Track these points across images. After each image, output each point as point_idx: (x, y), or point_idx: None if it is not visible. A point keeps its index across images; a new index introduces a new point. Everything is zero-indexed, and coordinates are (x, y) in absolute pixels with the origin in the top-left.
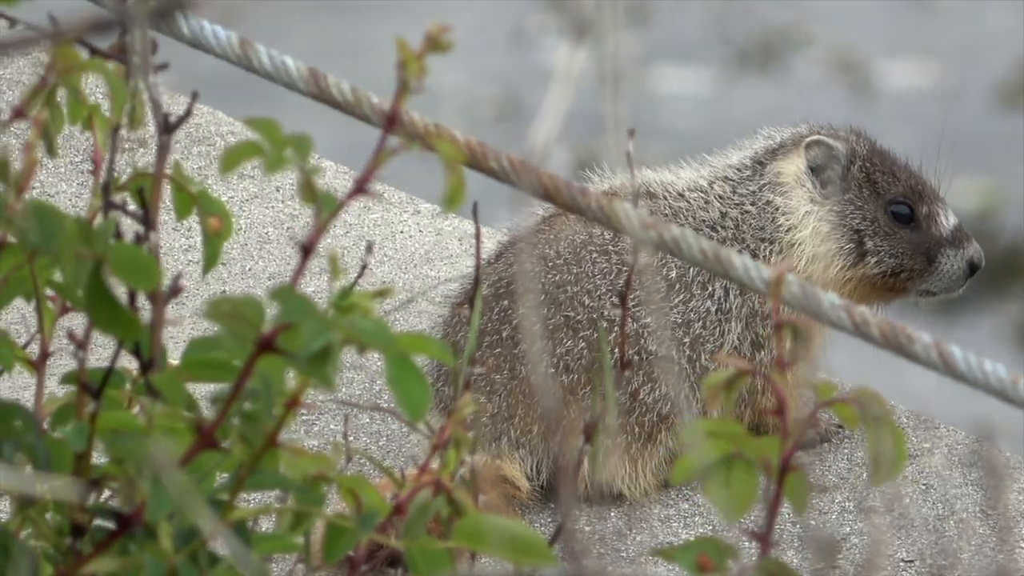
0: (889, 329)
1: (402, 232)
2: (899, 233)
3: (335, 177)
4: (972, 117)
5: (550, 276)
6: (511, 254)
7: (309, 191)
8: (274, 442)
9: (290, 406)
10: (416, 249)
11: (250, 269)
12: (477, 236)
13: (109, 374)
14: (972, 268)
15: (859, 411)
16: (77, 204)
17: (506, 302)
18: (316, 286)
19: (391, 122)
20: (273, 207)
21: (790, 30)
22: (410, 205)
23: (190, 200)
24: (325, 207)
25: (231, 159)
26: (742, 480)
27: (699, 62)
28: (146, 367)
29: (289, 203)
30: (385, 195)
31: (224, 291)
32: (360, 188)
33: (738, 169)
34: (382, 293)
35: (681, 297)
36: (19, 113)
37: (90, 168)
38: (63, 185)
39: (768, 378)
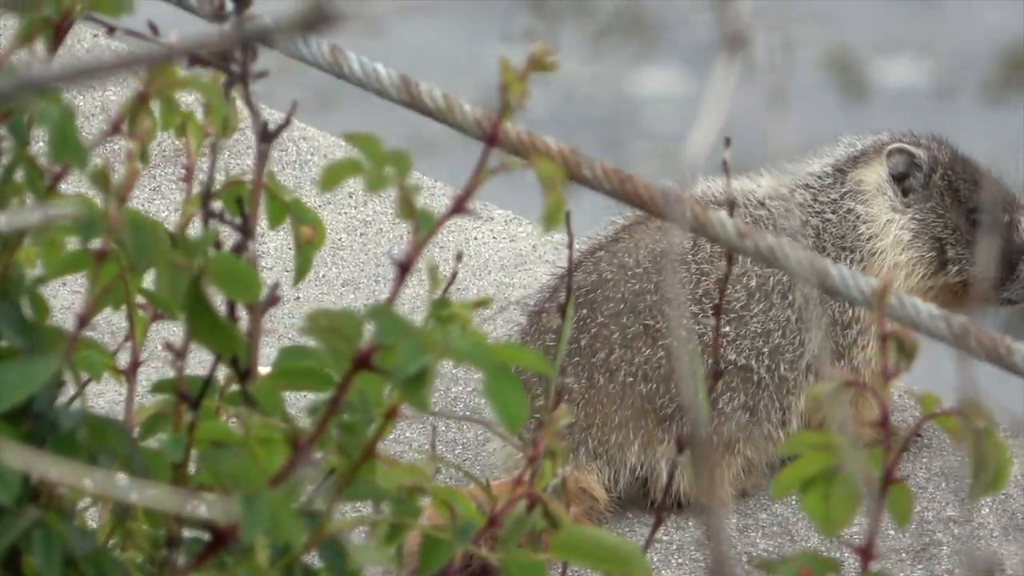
0: (989, 341)
1: (476, 239)
2: (980, 241)
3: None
4: (965, 114)
5: (629, 285)
6: (590, 263)
7: (408, 208)
8: (372, 453)
9: (388, 417)
10: (490, 256)
11: (324, 276)
12: (570, 245)
13: (208, 384)
14: None
15: (963, 423)
16: (172, 216)
17: (584, 311)
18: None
19: (492, 140)
20: (346, 213)
21: (782, 28)
22: (483, 211)
23: (283, 209)
24: (424, 225)
25: (332, 177)
26: (842, 493)
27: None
28: (243, 377)
29: (361, 209)
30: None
31: (298, 298)
32: (459, 207)
33: (819, 177)
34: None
35: (761, 306)
36: (116, 128)
37: (182, 178)
38: (157, 198)
39: (868, 389)
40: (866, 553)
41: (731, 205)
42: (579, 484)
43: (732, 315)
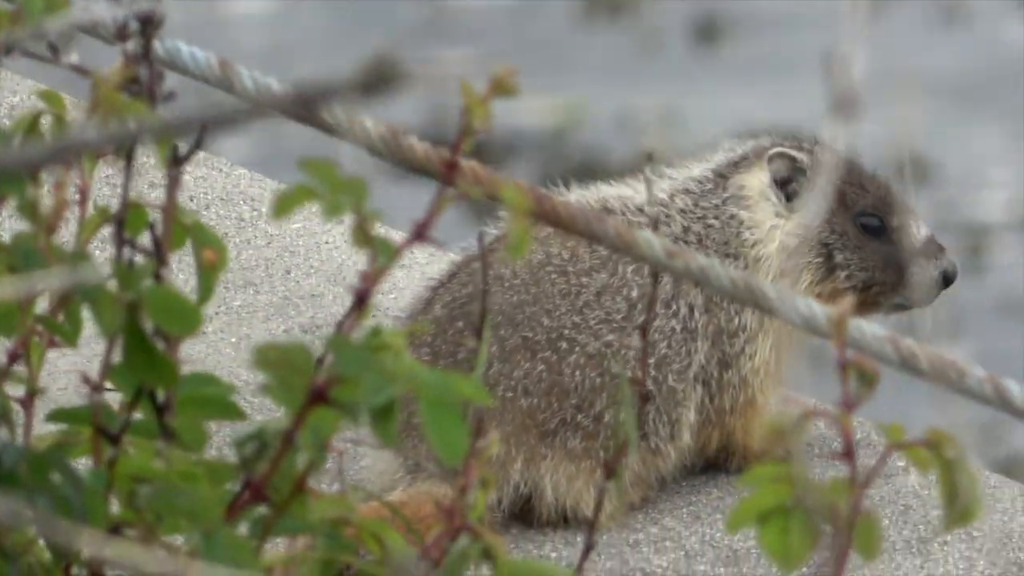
0: (939, 362)
1: (327, 243)
2: (869, 246)
3: (250, 185)
4: (551, 30)
5: (506, 296)
6: (465, 274)
7: (364, 237)
8: (303, 487)
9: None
10: (343, 260)
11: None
12: (483, 263)
13: (129, 419)
14: (946, 280)
15: (932, 454)
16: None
17: (460, 323)
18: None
19: (451, 169)
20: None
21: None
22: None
23: (183, 232)
24: (382, 254)
25: (285, 204)
26: (801, 528)
27: None
28: (161, 410)
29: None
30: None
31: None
32: (418, 235)
33: (699, 182)
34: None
35: (644, 317)
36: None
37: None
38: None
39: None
40: None
41: (608, 212)
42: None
43: (614, 325)
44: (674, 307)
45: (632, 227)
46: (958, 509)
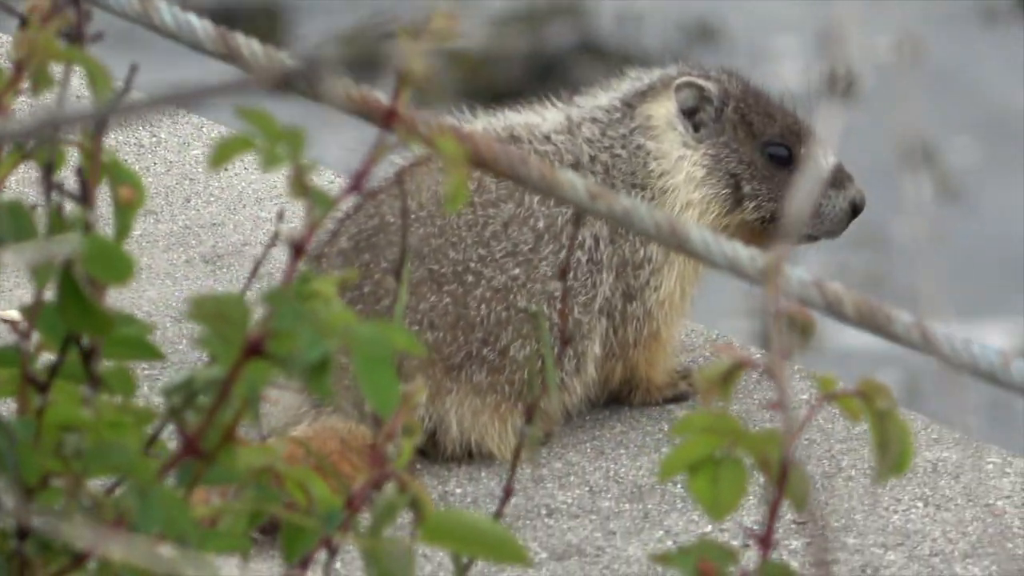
0: (866, 308)
1: (227, 170)
2: (777, 176)
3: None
4: None
5: (413, 229)
6: (372, 206)
7: (301, 187)
8: (232, 437)
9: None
10: (244, 188)
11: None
12: (403, 201)
13: (57, 367)
14: (855, 209)
15: (864, 404)
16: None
17: (367, 255)
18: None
19: (390, 117)
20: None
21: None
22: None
23: (101, 169)
24: (319, 204)
25: (222, 154)
26: (731, 477)
27: None
28: (87, 356)
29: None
30: (204, 129)
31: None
32: (355, 186)
33: (607, 111)
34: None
35: (551, 248)
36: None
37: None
38: None
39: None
40: (765, 542)
41: (514, 140)
42: (364, 438)
43: (520, 258)
44: (579, 239)
45: (539, 156)
46: (890, 459)
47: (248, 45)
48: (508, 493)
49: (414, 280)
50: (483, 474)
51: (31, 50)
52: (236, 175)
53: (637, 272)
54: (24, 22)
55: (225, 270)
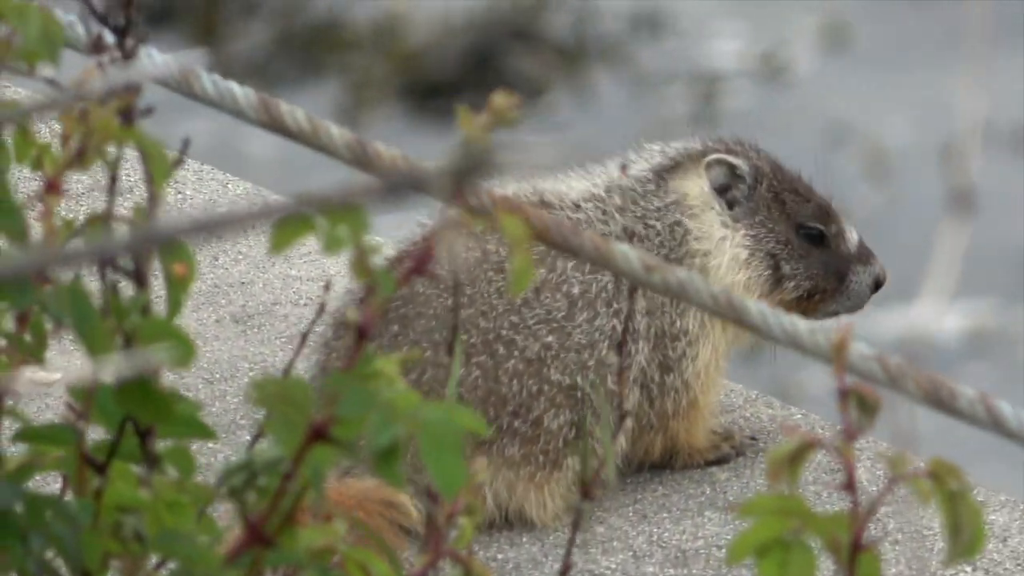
0: (929, 383)
1: (254, 226)
2: (812, 255)
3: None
4: None
5: (441, 299)
6: (399, 273)
7: (364, 270)
8: (296, 519)
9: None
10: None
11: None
12: (455, 283)
13: (115, 448)
14: (876, 285)
15: (935, 485)
16: None
17: (396, 327)
18: None
19: (458, 197)
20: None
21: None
22: (258, 199)
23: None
24: (383, 287)
25: (282, 238)
26: (800, 561)
27: None
28: (144, 435)
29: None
30: (230, 186)
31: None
32: (419, 268)
33: (639, 181)
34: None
35: (585, 315)
36: (53, 186)
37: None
38: None
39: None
40: None
41: (545, 206)
42: (390, 497)
43: (554, 325)
44: (615, 306)
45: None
46: (962, 542)
47: (291, 113)
48: (566, 570)
49: (442, 352)
50: (524, 539)
51: (89, 130)
52: (263, 232)
53: (674, 344)
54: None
55: (256, 330)
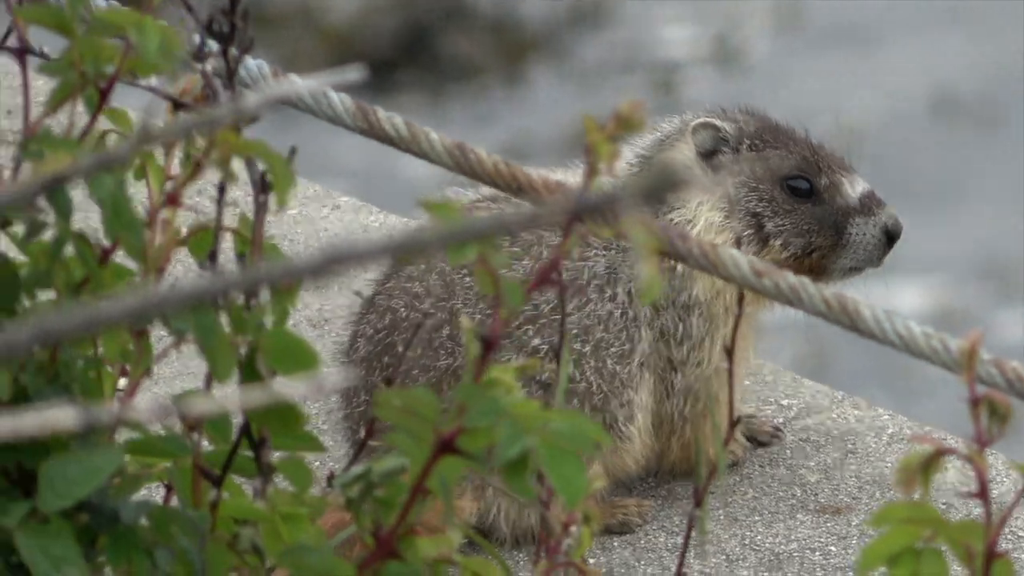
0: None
1: (325, 229)
2: (800, 209)
3: (242, 170)
4: None
5: (422, 320)
6: (383, 299)
7: (491, 282)
8: (414, 530)
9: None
10: None
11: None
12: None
13: (230, 461)
14: (889, 236)
15: None
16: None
17: (386, 358)
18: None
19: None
20: None
21: None
22: (328, 200)
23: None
24: (512, 298)
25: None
26: (932, 569)
27: None
28: (258, 446)
29: None
30: (299, 188)
31: None
32: (545, 278)
33: (628, 164)
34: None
35: (575, 303)
36: (173, 199)
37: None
38: None
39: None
40: None
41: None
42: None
43: (541, 322)
44: (608, 292)
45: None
46: None
47: (389, 120)
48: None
49: (434, 377)
50: (616, 543)
51: (213, 143)
52: (335, 235)
53: (679, 347)
54: (177, 105)
55: (334, 334)
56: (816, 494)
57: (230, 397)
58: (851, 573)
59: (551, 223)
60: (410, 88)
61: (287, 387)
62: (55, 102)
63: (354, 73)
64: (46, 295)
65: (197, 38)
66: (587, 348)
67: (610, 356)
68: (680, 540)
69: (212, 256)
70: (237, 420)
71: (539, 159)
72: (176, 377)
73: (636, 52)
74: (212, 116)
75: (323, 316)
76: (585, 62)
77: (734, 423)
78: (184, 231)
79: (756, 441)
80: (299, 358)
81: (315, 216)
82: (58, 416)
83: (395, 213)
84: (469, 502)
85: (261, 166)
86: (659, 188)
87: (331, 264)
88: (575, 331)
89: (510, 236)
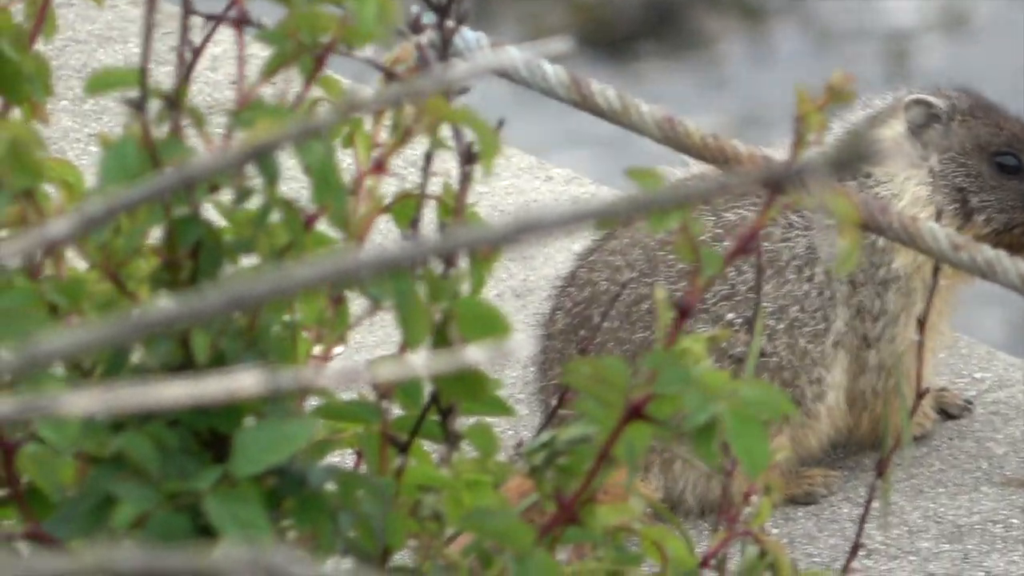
0: None
1: (536, 200)
2: (1006, 185)
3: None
4: None
5: (624, 294)
6: (584, 272)
7: (690, 249)
8: (594, 496)
9: (601, 459)
10: None
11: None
12: (758, 267)
13: (418, 427)
14: None
15: None
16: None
17: (583, 332)
18: None
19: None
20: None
21: None
22: (540, 171)
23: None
24: (710, 266)
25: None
26: None
27: None
28: (445, 413)
29: None
30: (513, 159)
31: None
32: (744, 246)
33: (836, 140)
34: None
35: (772, 283)
36: (379, 167)
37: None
38: None
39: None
40: None
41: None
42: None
43: (738, 299)
44: (807, 272)
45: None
46: None
47: (602, 92)
48: (855, 550)
49: (629, 352)
50: (800, 513)
51: (422, 110)
52: (545, 206)
53: (874, 323)
54: (389, 75)
55: (537, 304)
56: (1002, 466)
57: (419, 362)
58: None
59: (744, 192)
60: (649, 56)
61: (474, 353)
62: (270, 70)
63: (561, 44)
64: (249, 262)
65: (414, 8)
66: (781, 326)
67: (803, 335)
68: (861, 512)
69: (414, 223)
70: (430, 388)
71: (780, 128)
72: (379, 345)
73: (867, 18)
74: (421, 85)
75: (527, 287)
76: (827, 28)
77: (921, 395)
78: (388, 200)
79: (946, 414)
80: (491, 326)
81: (526, 187)
82: (243, 380)
83: (608, 186)
84: (656, 476)
85: (470, 137)
86: (850, 159)
87: (522, 232)
88: (770, 308)
89: (704, 205)
